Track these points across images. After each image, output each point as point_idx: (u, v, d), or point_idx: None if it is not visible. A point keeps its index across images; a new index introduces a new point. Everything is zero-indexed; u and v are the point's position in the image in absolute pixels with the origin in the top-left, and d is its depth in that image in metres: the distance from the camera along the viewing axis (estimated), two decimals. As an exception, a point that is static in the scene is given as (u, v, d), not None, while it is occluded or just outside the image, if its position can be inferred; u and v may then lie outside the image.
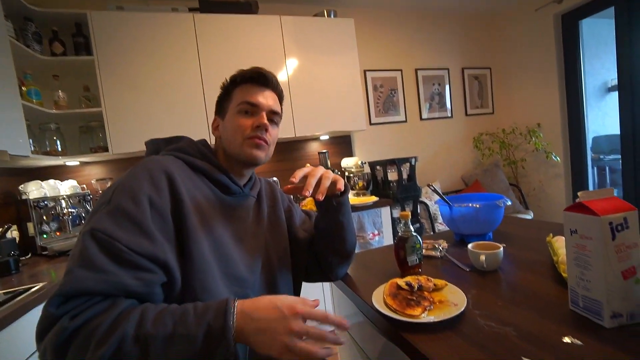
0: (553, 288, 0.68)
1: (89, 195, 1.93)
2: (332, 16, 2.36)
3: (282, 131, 2.17)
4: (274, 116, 0.74)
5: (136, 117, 1.91)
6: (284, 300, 0.52)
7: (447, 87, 3.09)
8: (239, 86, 0.72)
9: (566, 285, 0.59)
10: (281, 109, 0.78)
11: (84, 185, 2.06)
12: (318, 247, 0.82)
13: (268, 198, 0.84)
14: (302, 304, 0.52)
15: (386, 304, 0.65)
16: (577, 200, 0.53)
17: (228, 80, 0.74)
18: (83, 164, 2.12)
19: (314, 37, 2.25)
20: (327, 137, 2.63)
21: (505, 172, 3.12)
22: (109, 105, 1.86)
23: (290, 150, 2.54)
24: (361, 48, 2.51)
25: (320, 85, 2.27)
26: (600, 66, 2.79)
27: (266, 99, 0.72)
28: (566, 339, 0.50)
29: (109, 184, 2.09)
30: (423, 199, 2.52)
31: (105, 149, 1.90)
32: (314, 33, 2.25)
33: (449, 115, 3.11)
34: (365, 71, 2.73)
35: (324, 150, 2.27)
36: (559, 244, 0.78)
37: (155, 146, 0.73)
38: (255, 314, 0.49)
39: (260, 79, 0.72)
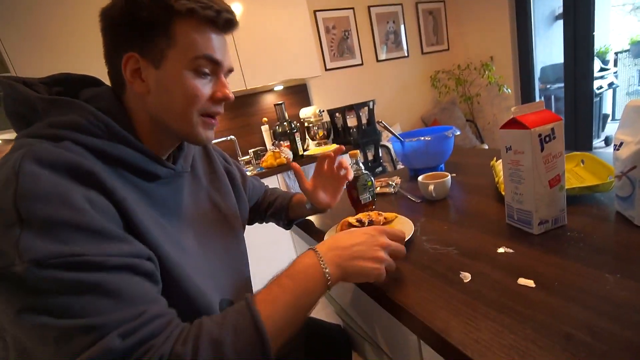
0: (494, 207, 0.72)
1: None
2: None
3: (231, 84, 2.00)
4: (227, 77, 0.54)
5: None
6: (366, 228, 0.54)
7: (402, 24, 2.97)
8: (185, 20, 0.45)
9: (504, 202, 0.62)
10: None
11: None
12: (265, 214, 0.86)
13: (203, 163, 0.66)
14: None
15: (338, 242, 0.65)
16: (512, 116, 0.53)
17: None
18: (6, 142, 1.87)
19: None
20: (281, 87, 2.49)
21: (462, 109, 3.19)
22: (19, 70, 1.59)
23: (244, 105, 2.39)
24: (308, -16, 2.29)
25: (267, 30, 2.07)
26: (547, -8, 2.79)
27: (227, 54, 0.51)
28: (500, 249, 0.54)
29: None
30: (384, 142, 2.55)
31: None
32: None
33: (406, 54, 3.04)
34: (315, 12, 2.53)
35: (280, 102, 2.15)
36: (501, 166, 0.81)
37: (28, 105, 0.44)
38: (344, 246, 0.49)
39: (227, 24, 0.49)
